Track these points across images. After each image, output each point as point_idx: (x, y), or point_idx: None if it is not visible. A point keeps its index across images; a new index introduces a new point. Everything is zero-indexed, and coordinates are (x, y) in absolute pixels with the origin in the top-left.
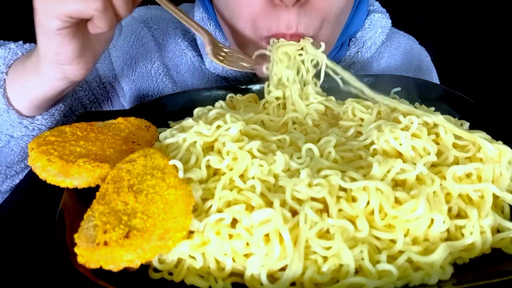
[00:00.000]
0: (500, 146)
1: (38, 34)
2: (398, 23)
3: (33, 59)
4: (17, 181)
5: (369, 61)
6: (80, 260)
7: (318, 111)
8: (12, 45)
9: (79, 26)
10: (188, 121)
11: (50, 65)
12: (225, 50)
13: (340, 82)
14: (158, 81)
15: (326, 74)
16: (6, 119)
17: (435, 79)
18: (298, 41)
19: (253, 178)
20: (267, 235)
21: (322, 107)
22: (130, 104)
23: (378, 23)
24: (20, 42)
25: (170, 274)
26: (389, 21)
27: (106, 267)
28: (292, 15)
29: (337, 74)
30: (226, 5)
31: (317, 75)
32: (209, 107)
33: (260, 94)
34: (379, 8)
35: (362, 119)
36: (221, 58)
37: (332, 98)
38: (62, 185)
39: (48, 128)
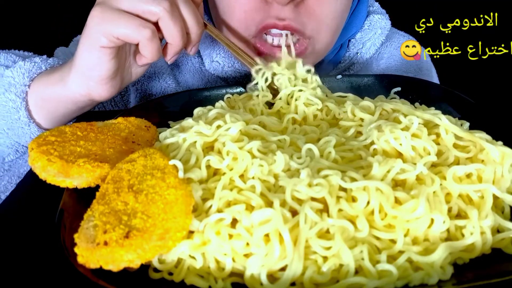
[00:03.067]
0: (503, 148)
1: (81, 47)
2: (398, 23)
3: (61, 72)
4: None
5: (369, 62)
6: (80, 260)
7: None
8: (37, 59)
9: (120, 51)
10: (188, 121)
11: (79, 79)
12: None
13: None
14: (161, 81)
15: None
16: (26, 132)
17: (435, 79)
18: (292, 33)
19: (253, 178)
20: (267, 235)
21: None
22: (134, 104)
23: (378, 24)
24: (44, 57)
25: (170, 274)
26: (388, 22)
27: (106, 267)
28: (285, 12)
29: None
30: (218, 3)
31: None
32: (209, 107)
33: None
34: (379, 9)
35: (362, 119)
36: (273, 91)
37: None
38: (62, 185)
39: None
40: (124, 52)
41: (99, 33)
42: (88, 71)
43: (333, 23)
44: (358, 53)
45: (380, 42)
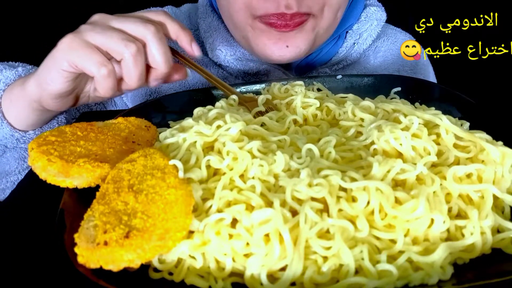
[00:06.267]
0: (503, 149)
1: (44, 63)
2: (398, 22)
3: (28, 76)
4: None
5: (366, 54)
6: (80, 260)
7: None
8: (20, 68)
9: (81, 76)
10: (188, 121)
11: (35, 85)
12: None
13: None
14: None
15: (325, 74)
16: (0, 131)
17: (431, 75)
18: (301, 20)
19: (253, 178)
20: (267, 235)
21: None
22: (133, 102)
23: (374, 15)
24: (29, 67)
25: (170, 274)
26: (384, 14)
27: (106, 267)
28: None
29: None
30: None
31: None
32: (209, 107)
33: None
34: (375, 2)
35: (362, 119)
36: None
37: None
38: (62, 185)
39: None
40: (85, 77)
41: (63, 59)
42: (43, 83)
43: (336, 4)
44: (355, 43)
45: (376, 33)
